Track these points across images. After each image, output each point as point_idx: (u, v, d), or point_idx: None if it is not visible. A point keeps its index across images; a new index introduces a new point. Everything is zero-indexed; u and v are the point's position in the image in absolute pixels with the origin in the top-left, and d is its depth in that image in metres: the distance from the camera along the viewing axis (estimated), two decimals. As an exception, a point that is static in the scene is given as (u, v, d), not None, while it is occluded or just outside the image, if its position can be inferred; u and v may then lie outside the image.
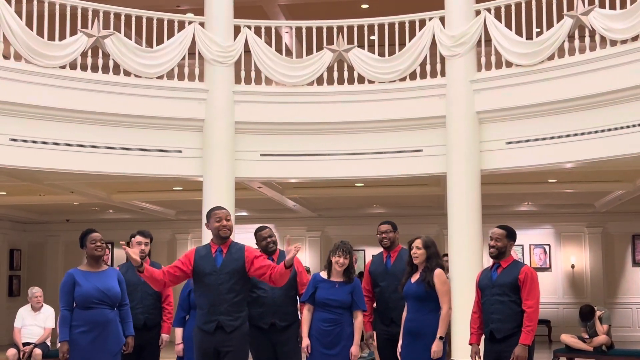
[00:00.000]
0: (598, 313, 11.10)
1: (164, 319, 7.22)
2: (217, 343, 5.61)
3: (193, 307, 6.95)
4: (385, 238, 6.96)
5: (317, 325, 6.43)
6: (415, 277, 6.29)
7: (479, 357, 6.20)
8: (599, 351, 10.89)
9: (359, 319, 6.49)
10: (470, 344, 6.25)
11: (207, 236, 9.95)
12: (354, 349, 6.40)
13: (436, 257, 6.28)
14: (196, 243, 16.91)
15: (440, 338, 6.12)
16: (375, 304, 7.02)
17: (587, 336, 11.03)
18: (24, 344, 10.42)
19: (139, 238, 7.22)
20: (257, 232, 6.95)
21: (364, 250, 18.32)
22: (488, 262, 6.38)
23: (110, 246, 17.04)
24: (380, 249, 7.12)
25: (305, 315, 6.50)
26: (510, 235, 6.17)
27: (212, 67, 10.62)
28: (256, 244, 6.89)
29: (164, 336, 7.24)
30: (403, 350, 6.32)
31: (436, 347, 6.11)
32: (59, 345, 6.20)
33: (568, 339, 11.20)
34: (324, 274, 6.56)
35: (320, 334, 6.40)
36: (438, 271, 6.21)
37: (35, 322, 10.57)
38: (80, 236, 6.37)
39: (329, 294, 6.42)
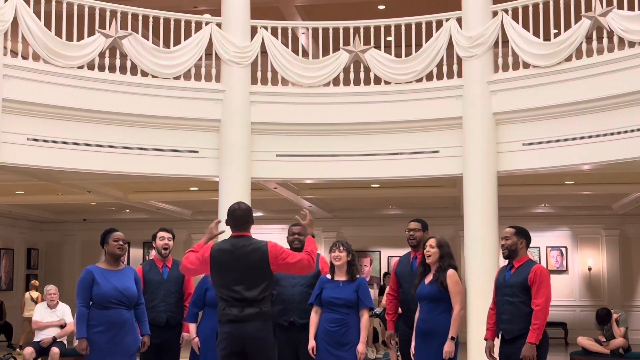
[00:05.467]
0: (615, 316, 11.04)
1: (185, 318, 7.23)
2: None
3: (208, 304, 6.97)
4: (412, 236, 6.90)
5: (324, 326, 6.45)
6: (428, 278, 6.31)
7: (493, 353, 6.20)
8: (615, 354, 10.83)
9: (365, 318, 6.48)
10: (485, 339, 6.27)
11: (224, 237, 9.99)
12: (361, 347, 6.40)
13: (449, 258, 6.29)
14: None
15: (452, 338, 6.12)
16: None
17: (603, 339, 10.97)
18: (41, 341, 10.48)
19: (161, 233, 7.28)
20: (290, 227, 7.00)
21: (380, 252, 18.31)
22: (504, 263, 6.37)
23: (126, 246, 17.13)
24: (400, 250, 7.10)
25: (312, 317, 6.53)
26: (520, 233, 6.15)
27: (229, 68, 10.65)
28: (287, 237, 6.97)
29: (185, 335, 7.25)
30: (416, 351, 6.32)
31: (448, 347, 6.11)
32: (76, 342, 6.22)
33: (585, 341, 11.14)
34: (329, 276, 6.60)
35: (327, 334, 6.42)
36: (451, 271, 6.21)
37: (52, 319, 10.64)
38: (103, 234, 6.39)
39: (334, 293, 6.45)
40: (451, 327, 6.12)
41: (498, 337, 6.22)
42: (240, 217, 5.52)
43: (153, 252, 7.45)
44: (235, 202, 5.71)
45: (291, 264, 5.47)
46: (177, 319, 7.18)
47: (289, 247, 6.94)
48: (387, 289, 7.05)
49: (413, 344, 6.36)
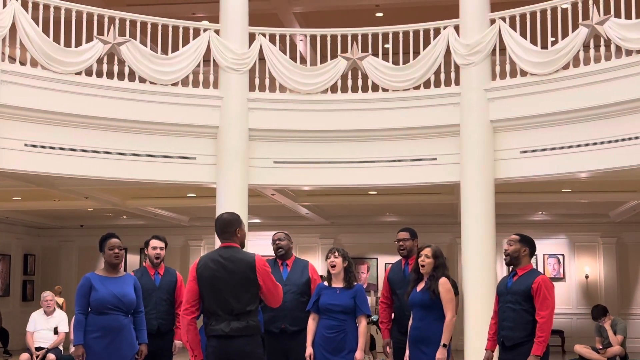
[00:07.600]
0: (611, 317, 11.09)
1: (177, 325, 7.22)
2: None
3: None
4: (402, 246, 6.93)
5: (321, 333, 6.47)
6: (420, 286, 6.32)
7: None
8: (612, 362, 10.84)
9: (362, 324, 6.49)
10: (485, 350, 6.27)
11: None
12: (358, 354, 6.41)
13: (443, 268, 6.31)
14: (209, 249, 16.92)
15: (444, 345, 6.13)
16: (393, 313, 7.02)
17: (600, 347, 10.97)
18: (37, 349, 10.45)
19: (154, 242, 7.26)
20: (272, 237, 7.01)
21: (377, 259, 18.30)
22: (502, 271, 6.39)
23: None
24: (397, 257, 7.11)
25: (309, 324, 6.54)
26: (524, 241, 6.17)
27: (227, 75, 10.65)
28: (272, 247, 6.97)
29: (177, 342, 7.24)
30: (411, 359, 6.32)
31: (440, 354, 6.12)
32: (72, 349, 6.22)
33: (582, 349, 11.15)
34: (326, 283, 6.61)
35: (324, 341, 6.44)
36: (443, 279, 6.23)
37: (48, 326, 10.61)
38: (100, 240, 6.38)
39: (331, 299, 6.47)
40: (443, 335, 6.14)
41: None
42: (224, 222, 5.38)
43: None
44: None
45: (272, 286, 5.34)
46: (169, 326, 7.17)
47: (274, 255, 6.97)
48: (380, 297, 7.06)
49: (407, 352, 6.36)
